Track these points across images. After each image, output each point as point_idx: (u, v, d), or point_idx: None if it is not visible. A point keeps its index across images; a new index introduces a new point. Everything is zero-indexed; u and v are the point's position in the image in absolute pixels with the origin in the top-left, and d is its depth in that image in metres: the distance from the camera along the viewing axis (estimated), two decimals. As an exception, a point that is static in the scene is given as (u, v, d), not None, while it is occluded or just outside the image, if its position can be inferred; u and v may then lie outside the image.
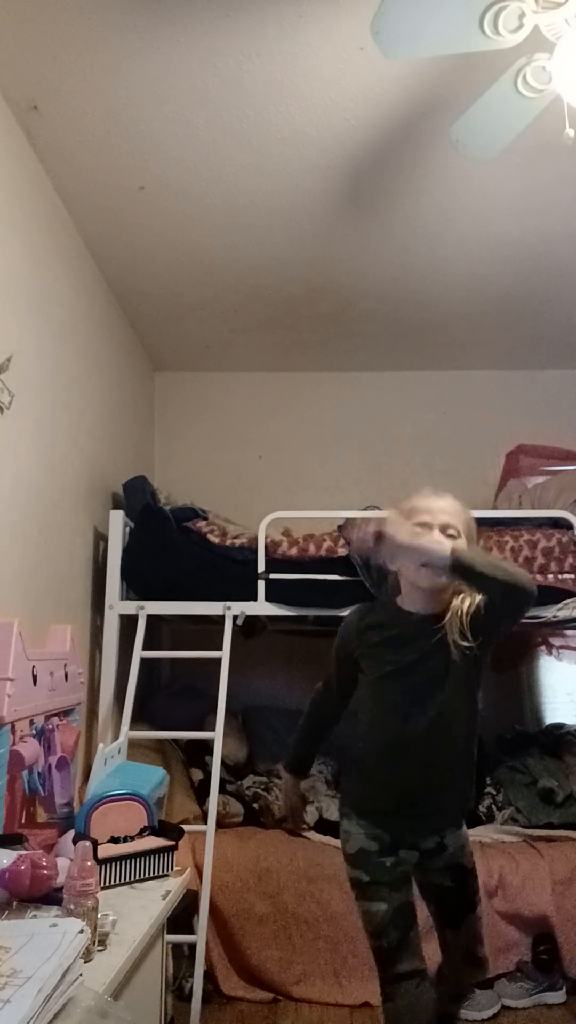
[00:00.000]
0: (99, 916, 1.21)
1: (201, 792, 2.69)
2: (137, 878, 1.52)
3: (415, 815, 1.61)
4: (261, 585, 2.68)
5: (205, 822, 2.36)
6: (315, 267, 2.96)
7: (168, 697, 3.35)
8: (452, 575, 1.52)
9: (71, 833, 1.57)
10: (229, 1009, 2.29)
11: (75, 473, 2.61)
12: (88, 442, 2.77)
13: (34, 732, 1.92)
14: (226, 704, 2.55)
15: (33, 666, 1.92)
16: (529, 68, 1.65)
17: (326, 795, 2.79)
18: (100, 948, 1.18)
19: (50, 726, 2.01)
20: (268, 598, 2.67)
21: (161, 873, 1.55)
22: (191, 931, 2.24)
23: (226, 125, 2.17)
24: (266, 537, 2.73)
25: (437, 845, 1.63)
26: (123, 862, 1.51)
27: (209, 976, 2.31)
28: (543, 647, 3.55)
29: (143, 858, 1.54)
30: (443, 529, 1.59)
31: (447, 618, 1.58)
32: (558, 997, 2.34)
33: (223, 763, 2.65)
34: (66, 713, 2.19)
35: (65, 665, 2.19)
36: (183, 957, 2.28)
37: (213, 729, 2.50)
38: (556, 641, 3.49)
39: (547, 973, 2.36)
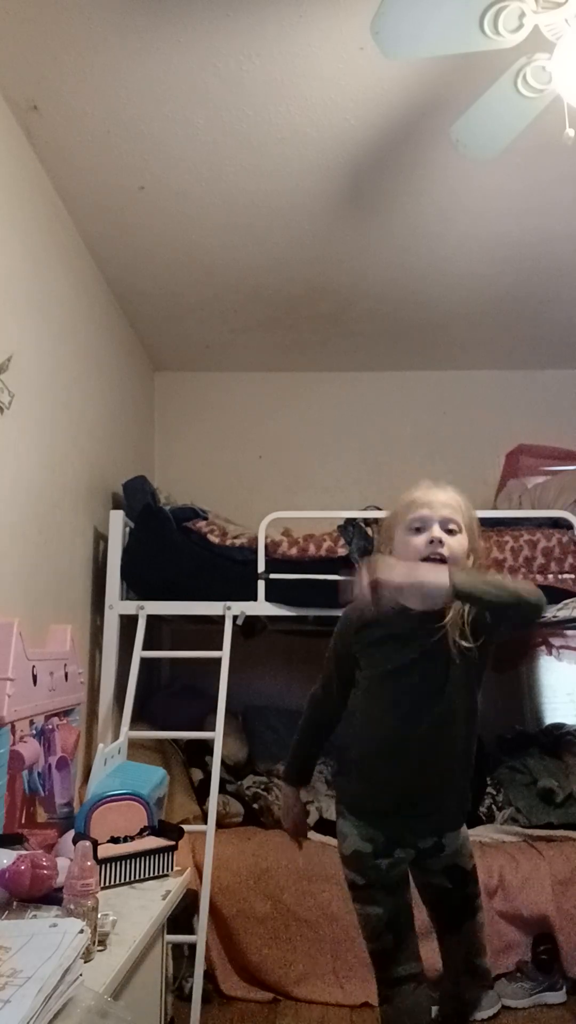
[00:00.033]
0: (99, 916, 1.21)
1: (201, 792, 2.69)
2: (137, 878, 1.52)
3: (415, 815, 1.59)
4: (261, 585, 2.68)
5: (205, 822, 2.36)
6: (315, 267, 2.96)
7: (168, 697, 3.35)
8: (456, 601, 1.49)
9: (71, 833, 1.57)
10: (229, 1009, 2.29)
11: (75, 473, 2.61)
12: (88, 442, 2.77)
13: (34, 732, 1.92)
14: (226, 704, 2.55)
15: (33, 666, 1.92)
16: (529, 68, 1.65)
17: (326, 795, 2.79)
18: (100, 948, 1.18)
19: (50, 726, 2.01)
20: (268, 598, 2.68)
21: (161, 873, 1.55)
22: (191, 931, 2.24)
23: (226, 125, 2.17)
24: (266, 537, 2.73)
25: (435, 844, 1.60)
26: (123, 862, 1.51)
27: (209, 976, 2.31)
28: (543, 647, 3.55)
29: (143, 858, 1.54)
30: (443, 524, 1.56)
31: (448, 617, 1.54)
32: (558, 997, 2.34)
33: (223, 763, 2.66)
34: (66, 713, 2.19)
35: (65, 665, 2.19)
36: (183, 957, 2.28)
37: (213, 729, 2.50)
38: (556, 641, 3.49)
39: (547, 973, 2.36)
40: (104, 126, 2.16)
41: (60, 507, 2.45)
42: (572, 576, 2.67)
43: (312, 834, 2.61)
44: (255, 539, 2.73)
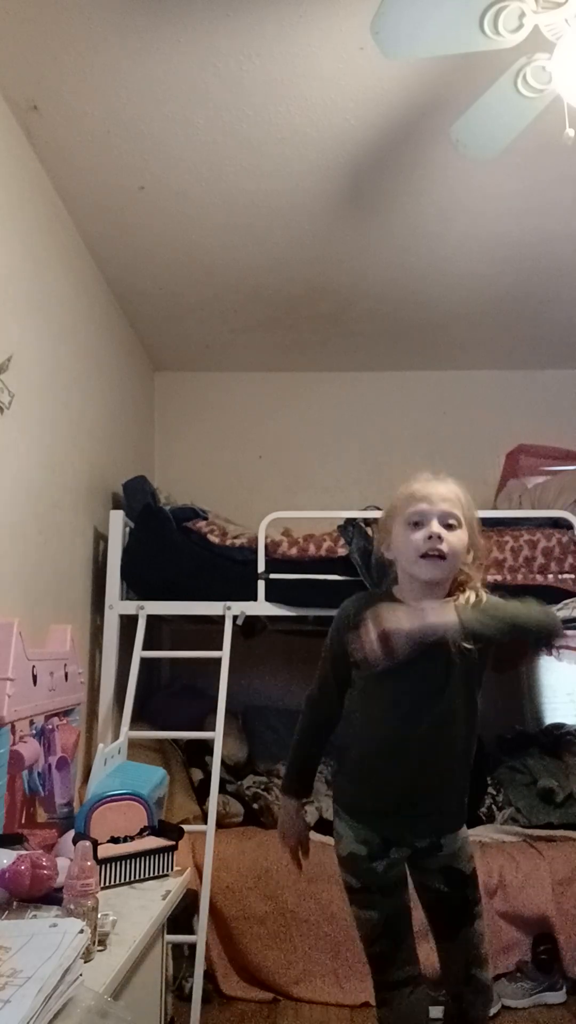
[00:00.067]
0: (99, 916, 1.21)
1: (201, 792, 2.69)
2: (137, 878, 1.52)
3: (415, 815, 1.58)
4: (261, 585, 2.68)
5: (205, 822, 2.36)
6: (315, 267, 2.96)
7: (168, 697, 3.35)
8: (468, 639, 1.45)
9: (71, 833, 1.57)
10: (229, 1009, 2.29)
11: (75, 473, 2.61)
12: (88, 442, 2.77)
13: (34, 732, 1.91)
14: (226, 704, 2.55)
15: (33, 666, 1.92)
16: (529, 68, 1.65)
17: (326, 795, 2.79)
18: (100, 948, 1.18)
19: (50, 726, 2.00)
20: (268, 598, 2.68)
21: (161, 873, 1.55)
22: (191, 931, 2.24)
23: (226, 125, 2.17)
24: (266, 537, 2.73)
25: (432, 844, 1.58)
26: (123, 862, 1.51)
27: (209, 976, 2.31)
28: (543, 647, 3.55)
29: (143, 858, 1.54)
30: (442, 519, 1.53)
31: None
32: (558, 997, 2.34)
33: (223, 763, 2.65)
34: (66, 713, 2.19)
35: (65, 665, 2.19)
36: (183, 957, 2.28)
37: (213, 729, 2.50)
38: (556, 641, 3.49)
39: (547, 973, 2.36)
40: (104, 126, 2.16)
41: (60, 507, 2.45)
42: (572, 576, 2.66)
43: (312, 834, 2.61)
44: (255, 539, 2.73)
